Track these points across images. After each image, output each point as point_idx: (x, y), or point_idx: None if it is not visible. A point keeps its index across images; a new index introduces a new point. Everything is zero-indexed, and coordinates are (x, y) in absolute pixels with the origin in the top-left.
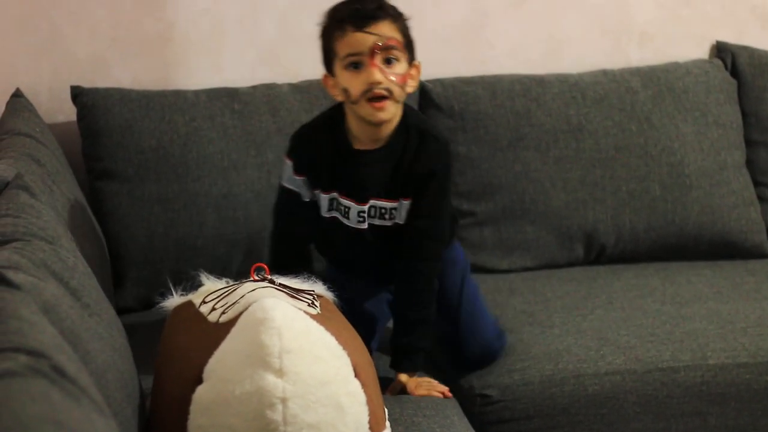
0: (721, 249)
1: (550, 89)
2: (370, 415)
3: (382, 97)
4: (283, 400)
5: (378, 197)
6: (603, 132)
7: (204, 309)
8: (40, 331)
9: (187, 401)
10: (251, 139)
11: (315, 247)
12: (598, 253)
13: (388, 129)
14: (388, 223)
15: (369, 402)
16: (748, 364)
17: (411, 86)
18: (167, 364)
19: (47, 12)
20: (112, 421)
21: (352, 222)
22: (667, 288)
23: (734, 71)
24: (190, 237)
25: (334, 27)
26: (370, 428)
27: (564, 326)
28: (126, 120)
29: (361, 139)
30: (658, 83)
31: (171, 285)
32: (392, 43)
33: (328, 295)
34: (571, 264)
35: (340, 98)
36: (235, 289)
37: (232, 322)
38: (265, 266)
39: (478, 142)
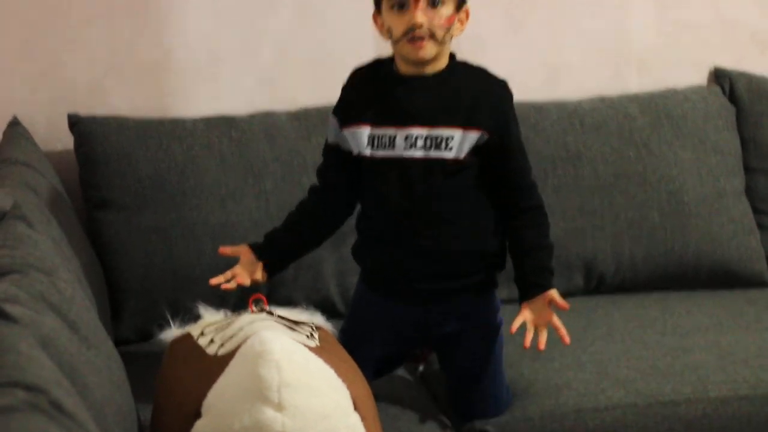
0: (721, 277)
1: (548, 116)
2: None
3: (422, 38)
4: None
5: (431, 125)
6: (601, 159)
7: (202, 341)
8: (38, 365)
9: None
10: (249, 167)
11: (354, 251)
12: (598, 282)
13: (436, 68)
14: (448, 155)
15: None
16: (749, 396)
17: (458, 29)
18: (166, 398)
19: (45, 40)
20: None
21: (398, 150)
22: (667, 319)
23: (732, 97)
24: (187, 267)
25: None
26: None
27: (564, 359)
28: (123, 148)
29: (407, 71)
30: (657, 110)
31: (169, 317)
32: None
33: (327, 326)
34: (570, 293)
35: (385, 37)
36: (233, 322)
37: (230, 355)
38: (263, 298)
39: None
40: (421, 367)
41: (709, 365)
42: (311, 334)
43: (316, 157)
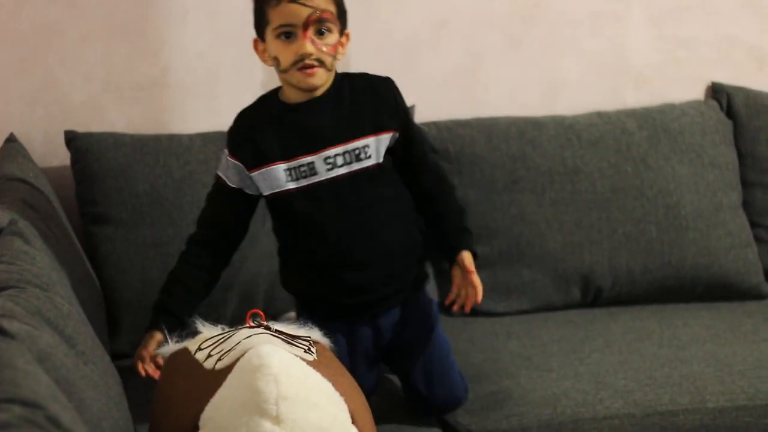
0: (718, 290)
1: (546, 131)
2: None
3: (312, 66)
4: None
5: (344, 141)
6: (599, 174)
7: (200, 356)
8: (34, 381)
9: None
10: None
11: (283, 280)
12: (595, 296)
13: (324, 88)
14: (369, 163)
15: None
16: (747, 407)
17: (341, 54)
18: (163, 413)
19: (42, 57)
20: None
21: (321, 175)
22: (664, 331)
23: (730, 112)
24: None
25: None
26: None
27: (561, 370)
28: (120, 164)
29: (297, 98)
30: (654, 125)
31: (166, 331)
32: (326, 15)
33: (325, 341)
34: (567, 307)
35: (269, 64)
36: (230, 336)
37: (228, 369)
38: (261, 313)
39: (473, 185)
40: None
41: (706, 376)
42: (309, 349)
43: None
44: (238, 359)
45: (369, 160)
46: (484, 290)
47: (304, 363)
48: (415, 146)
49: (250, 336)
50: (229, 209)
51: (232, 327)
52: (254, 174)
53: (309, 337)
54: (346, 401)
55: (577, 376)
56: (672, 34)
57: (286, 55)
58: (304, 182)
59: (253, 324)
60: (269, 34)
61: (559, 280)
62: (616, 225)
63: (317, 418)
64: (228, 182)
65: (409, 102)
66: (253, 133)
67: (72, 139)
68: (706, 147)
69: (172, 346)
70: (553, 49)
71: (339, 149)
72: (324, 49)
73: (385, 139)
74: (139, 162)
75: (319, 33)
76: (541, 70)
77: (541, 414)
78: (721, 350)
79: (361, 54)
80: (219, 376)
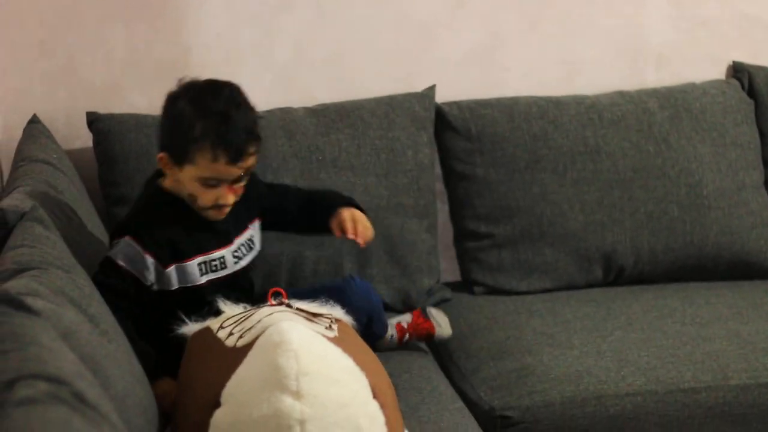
0: (740, 269)
1: (567, 111)
2: None
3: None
4: (301, 423)
5: (241, 231)
6: (620, 153)
7: (221, 334)
8: (59, 357)
9: (205, 426)
10: (267, 163)
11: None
12: (617, 275)
13: None
14: (255, 254)
15: (387, 424)
16: None
17: None
18: (186, 390)
19: (63, 39)
20: None
21: (230, 268)
22: (686, 309)
23: (751, 91)
24: None
25: (204, 144)
26: None
27: (584, 347)
28: (142, 145)
29: None
30: (675, 104)
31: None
32: (252, 169)
33: (347, 318)
34: (590, 285)
35: (175, 185)
36: (252, 314)
37: (249, 346)
38: (282, 291)
39: (495, 164)
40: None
41: (729, 354)
42: (330, 326)
43: (335, 153)
44: (258, 336)
45: (255, 248)
46: (507, 268)
47: (325, 339)
48: (281, 196)
49: (271, 314)
50: (129, 292)
51: (253, 306)
52: (169, 270)
53: (330, 314)
54: (368, 377)
55: (600, 354)
56: (692, 13)
57: (205, 198)
58: (213, 275)
59: (274, 302)
60: (189, 172)
61: (581, 259)
62: (638, 204)
63: (338, 394)
64: (144, 279)
65: (428, 82)
66: (166, 232)
67: (94, 120)
68: (728, 126)
69: (194, 326)
70: (572, 28)
71: (240, 240)
72: (238, 192)
73: (258, 224)
74: None
75: (239, 180)
76: (560, 50)
77: (564, 390)
78: (743, 328)
79: (380, 35)
80: (240, 353)
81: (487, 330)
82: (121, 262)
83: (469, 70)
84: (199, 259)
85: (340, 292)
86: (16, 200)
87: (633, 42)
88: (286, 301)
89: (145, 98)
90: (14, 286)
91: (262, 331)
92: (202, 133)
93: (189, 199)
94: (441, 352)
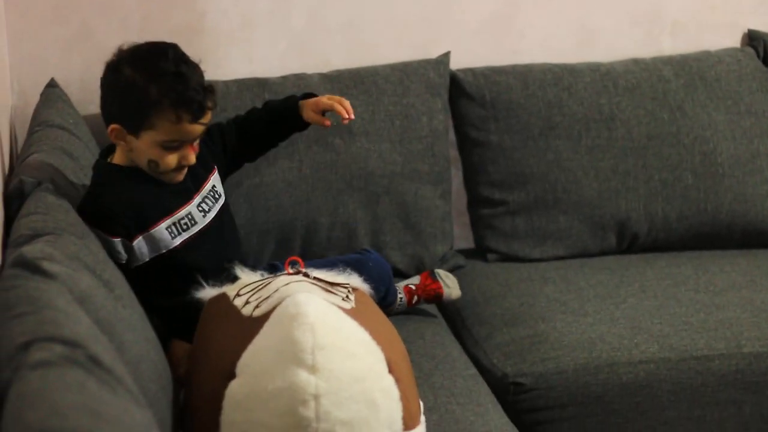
0: (754, 237)
1: (582, 78)
2: (403, 410)
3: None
4: (316, 397)
5: (202, 182)
6: (635, 121)
7: (238, 302)
8: (75, 321)
9: (220, 396)
10: None
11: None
12: (631, 242)
13: None
14: (221, 204)
15: (403, 398)
16: None
17: None
18: (201, 358)
19: (78, 4)
20: (148, 411)
21: (200, 222)
22: (700, 276)
23: (766, 59)
24: None
25: (163, 106)
26: (404, 424)
27: (597, 315)
28: None
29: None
30: (690, 72)
31: (200, 278)
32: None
33: (364, 287)
34: (603, 253)
35: (130, 155)
36: (269, 283)
37: (265, 317)
38: (300, 260)
39: (509, 131)
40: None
41: (743, 322)
42: (347, 296)
43: None
44: (275, 307)
45: (221, 196)
46: (521, 235)
47: (341, 312)
48: (227, 134)
49: (288, 283)
50: None
51: (270, 273)
52: (136, 242)
53: (348, 284)
54: (384, 350)
55: (613, 321)
56: None
57: (168, 161)
58: (186, 235)
59: (291, 271)
60: (148, 138)
61: (594, 227)
62: (653, 172)
63: (353, 368)
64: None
65: (443, 49)
66: (124, 202)
67: None
68: (743, 94)
69: (211, 291)
70: None
71: (203, 191)
72: (197, 149)
73: (217, 173)
74: None
75: (198, 139)
76: (576, 17)
77: (577, 357)
78: (757, 296)
79: (396, 1)
80: (256, 324)
81: (500, 297)
82: None
83: (485, 38)
84: (167, 222)
85: (358, 263)
86: (34, 170)
87: (648, 9)
88: (303, 270)
89: None
90: (30, 250)
91: (279, 302)
92: (159, 95)
93: (149, 166)
94: (454, 318)
